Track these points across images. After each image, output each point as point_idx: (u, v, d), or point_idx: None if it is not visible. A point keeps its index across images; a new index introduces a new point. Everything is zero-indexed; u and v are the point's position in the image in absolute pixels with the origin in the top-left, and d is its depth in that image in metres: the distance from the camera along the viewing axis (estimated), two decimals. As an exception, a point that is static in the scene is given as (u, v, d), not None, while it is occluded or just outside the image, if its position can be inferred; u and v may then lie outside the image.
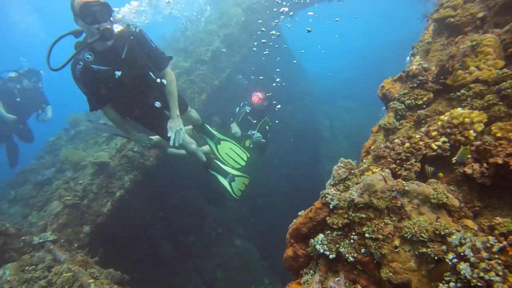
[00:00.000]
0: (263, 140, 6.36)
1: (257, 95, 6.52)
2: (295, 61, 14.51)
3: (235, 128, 6.37)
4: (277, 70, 9.21)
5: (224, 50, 8.10)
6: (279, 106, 7.90)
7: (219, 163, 5.08)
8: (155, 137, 5.12)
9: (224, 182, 4.98)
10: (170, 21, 11.09)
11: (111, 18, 3.19)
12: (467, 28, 2.82)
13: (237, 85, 9.15)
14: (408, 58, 3.37)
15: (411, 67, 2.76)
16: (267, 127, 6.54)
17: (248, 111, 6.55)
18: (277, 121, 6.82)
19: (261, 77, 8.55)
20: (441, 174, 1.98)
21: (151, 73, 3.70)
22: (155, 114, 4.00)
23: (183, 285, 7.85)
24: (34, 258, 4.53)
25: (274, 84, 8.51)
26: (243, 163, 5.39)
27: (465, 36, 2.72)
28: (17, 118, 7.40)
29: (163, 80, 3.81)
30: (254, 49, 8.83)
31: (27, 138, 8.47)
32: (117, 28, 3.32)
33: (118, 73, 3.36)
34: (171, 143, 3.75)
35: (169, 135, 3.74)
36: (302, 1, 10.16)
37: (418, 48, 3.13)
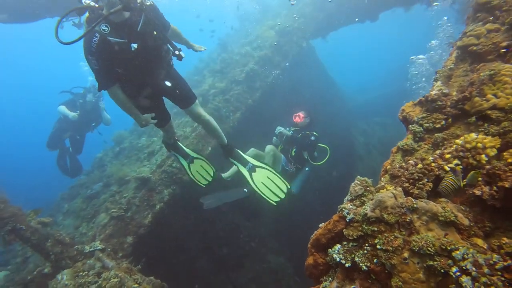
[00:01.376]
0: (289, 133, 6.31)
1: (298, 115, 6.57)
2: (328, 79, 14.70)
3: (268, 149, 6.24)
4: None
5: (258, 70, 8.51)
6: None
7: (239, 151, 4.70)
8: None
9: (244, 171, 4.58)
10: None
11: None
12: (490, 56, 2.94)
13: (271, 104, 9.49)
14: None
15: (431, 92, 2.92)
16: (312, 137, 6.33)
17: (291, 133, 6.41)
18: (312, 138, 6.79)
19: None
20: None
21: (168, 46, 3.61)
22: (160, 96, 3.96)
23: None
24: (86, 265, 5.02)
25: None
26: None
27: (487, 64, 2.84)
28: (79, 117, 8.31)
29: (181, 52, 3.69)
30: (287, 63, 9.15)
31: (77, 148, 9.27)
32: None
33: (135, 45, 3.21)
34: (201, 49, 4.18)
35: (202, 49, 4.03)
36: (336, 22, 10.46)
37: (441, 74, 3.27)
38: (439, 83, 3.12)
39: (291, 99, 11.17)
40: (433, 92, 2.90)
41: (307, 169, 6.66)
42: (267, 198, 4.44)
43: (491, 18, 3.21)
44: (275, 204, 4.45)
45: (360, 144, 14.77)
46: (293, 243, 9.80)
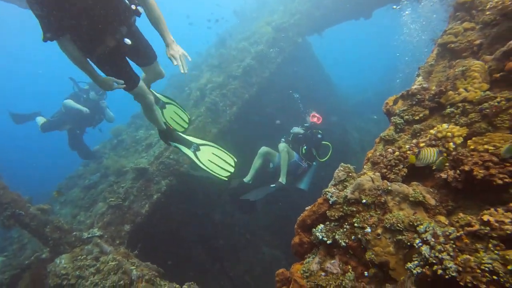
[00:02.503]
0: (302, 131, 6.69)
1: (317, 117, 6.93)
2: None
3: (281, 147, 6.51)
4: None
5: (254, 65, 8.69)
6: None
7: (179, 132, 4.54)
8: None
9: (189, 153, 4.41)
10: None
11: None
12: (465, 53, 3.15)
13: (267, 98, 9.70)
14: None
15: (412, 87, 3.14)
16: (318, 135, 6.75)
17: (302, 132, 6.77)
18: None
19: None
20: None
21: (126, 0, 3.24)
22: (121, 55, 3.55)
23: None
24: (84, 250, 5.21)
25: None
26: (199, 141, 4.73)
27: (461, 60, 3.06)
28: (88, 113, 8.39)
29: (138, 7, 3.34)
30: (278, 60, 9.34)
31: (73, 144, 9.26)
32: None
33: None
34: (181, 70, 3.31)
35: (175, 64, 3.26)
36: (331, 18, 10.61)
37: (422, 70, 3.49)
38: (420, 78, 3.34)
39: (287, 95, 11.39)
40: (414, 87, 3.12)
41: (314, 163, 7.06)
42: (217, 175, 4.39)
43: (468, 17, 3.42)
44: (226, 179, 4.45)
45: (355, 140, 15.03)
46: (288, 236, 10.04)
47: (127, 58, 3.69)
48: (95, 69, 3.33)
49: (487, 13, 3.06)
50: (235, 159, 4.66)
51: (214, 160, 4.54)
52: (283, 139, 6.99)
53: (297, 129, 6.84)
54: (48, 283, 4.78)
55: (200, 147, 4.56)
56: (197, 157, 4.45)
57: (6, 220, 5.01)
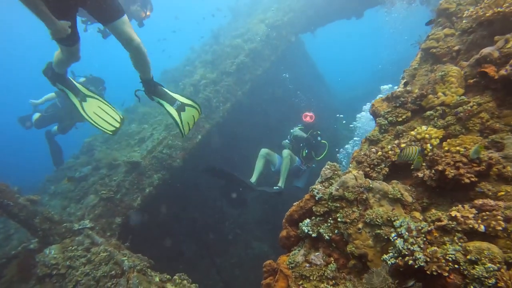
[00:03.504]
0: (305, 136, 6.88)
1: (310, 116, 7.14)
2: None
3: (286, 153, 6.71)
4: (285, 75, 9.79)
5: (248, 63, 8.80)
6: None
7: (165, 89, 4.34)
8: None
9: (172, 110, 4.20)
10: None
11: None
12: (445, 58, 3.33)
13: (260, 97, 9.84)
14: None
15: (396, 90, 3.30)
16: (318, 138, 7.01)
17: (305, 137, 6.98)
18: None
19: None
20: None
21: None
22: (76, 8, 3.24)
23: (202, 281, 8.49)
24: (75, 241, 5.26)
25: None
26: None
27: (442, 65, 3.24)
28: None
29: None
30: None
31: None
32: None
33: None
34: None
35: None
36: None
37: (407, 73, 3.66)
38: (404, 81, 3.51)
39: (279, 92, 11.54)
40: (398, 89, 3.29)
41: (314, 165, 7.33)
42: (102, 128, 4.33)
43: (448, 23, 3.60)
44: (111, 133, 4.38)
45: (344, 138, 15.29)
46: (277, 231, 10.27)
47: (89, 13, 3.33)
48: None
49: (463, 21, 3.24)
50: (122, 116, 4.55)
51: (100, 113, 4.40)
52: (287, 141, 7.19)
53: (298, 132, 7.00)
54: (36, 273, 4.84)
55: (87, 98, 4.41)
56: (82, 107, 4.31)
57: (-7, 210, 5.03)
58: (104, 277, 4.16)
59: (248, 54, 8.92)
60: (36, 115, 8.19)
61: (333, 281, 2.22)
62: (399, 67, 4.53)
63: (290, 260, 2.48)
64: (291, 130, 7.23)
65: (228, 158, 9.81)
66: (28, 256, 5.14)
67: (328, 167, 2.78)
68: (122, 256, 4.61)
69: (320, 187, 2.67)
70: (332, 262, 2.33)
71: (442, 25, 3.72)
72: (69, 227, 5.52)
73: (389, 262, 1.96)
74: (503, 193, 2.05)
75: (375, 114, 3.46)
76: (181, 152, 7.07)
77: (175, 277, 3.90)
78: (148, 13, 6.56)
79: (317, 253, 2.45)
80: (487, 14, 2.89)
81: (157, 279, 3.82)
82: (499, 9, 2.80)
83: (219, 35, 10.67)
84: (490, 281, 1.66)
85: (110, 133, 4.34)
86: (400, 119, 3.10)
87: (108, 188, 6.46)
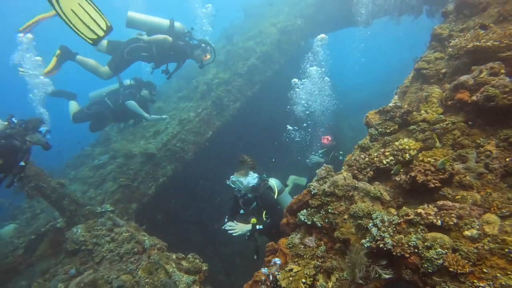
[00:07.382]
0: (322, 160, 7.17)
1: (326, 138, 7.64)
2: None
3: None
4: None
5: (259, 65, 9.31)
6: None
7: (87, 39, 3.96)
8: None
9: None
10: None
11: None
12: (433, 80, 3.84)
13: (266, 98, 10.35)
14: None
15: (388, 104, 3.83)
16: (340, 157, 7.22)
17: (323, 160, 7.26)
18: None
19: None
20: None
21: None
22: None
23: (205, 267, 9.13)
24: (98, 222, 5.87)
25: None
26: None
27: (428, 86, 3.75)
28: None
29: None
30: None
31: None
32: None
33: None
34: None
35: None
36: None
37: (399, 89, 4.18)
38: (396, 97, 4.04)
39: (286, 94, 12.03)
40: (390, 104, 3.82)
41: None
42: (81, 34, 3.86)
43: (440, 47, 4.10)
44: (91, 42, 3.94)
45: (348, 139, 15.78)
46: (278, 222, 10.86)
47: None
48: None
49: (449, 49, 3.74)
50: (109, 24, 4.02)
51: (81, 14, 3.81)
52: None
53: (315, 159, 7.25)
54: (65, 248, 5.46)
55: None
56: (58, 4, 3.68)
57: (30, 190, 5.65)
58: (127, 253, 4.77)
59: (259, 57, 9.43)
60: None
61: (322, 259, 2.78)
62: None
63: (288, 242, 3.05)
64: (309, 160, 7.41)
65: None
66: (57, 234, 5.78)
67: (323, 168, 3.34)
68: (142, 236, 5.22)
69: (316, 184, 3.23)
70: (322, 244, 2.90)
71: (434, 48, 4.21)
72: (91, 209, 6.11)
73: (365, 245, 2.52)
74: (459, 196, 2.59)
75: (368, 124, 3.99)
76: (192, 146, 7.65)
77: (188, 256, 4.47)
78: (208, 56, 7.17)
79: (310, 237, 3.02)
80: (468, 46, 3.40)
81: (174, 256, 4.40)
82: (477, 43, 3.31)
83: (232, 35, 11.17)
84: (438, 262, 2.21)
85: (90, 41, 3.88)
86: (389, 130, 3.63)
87: (126, 176, 7.08)
